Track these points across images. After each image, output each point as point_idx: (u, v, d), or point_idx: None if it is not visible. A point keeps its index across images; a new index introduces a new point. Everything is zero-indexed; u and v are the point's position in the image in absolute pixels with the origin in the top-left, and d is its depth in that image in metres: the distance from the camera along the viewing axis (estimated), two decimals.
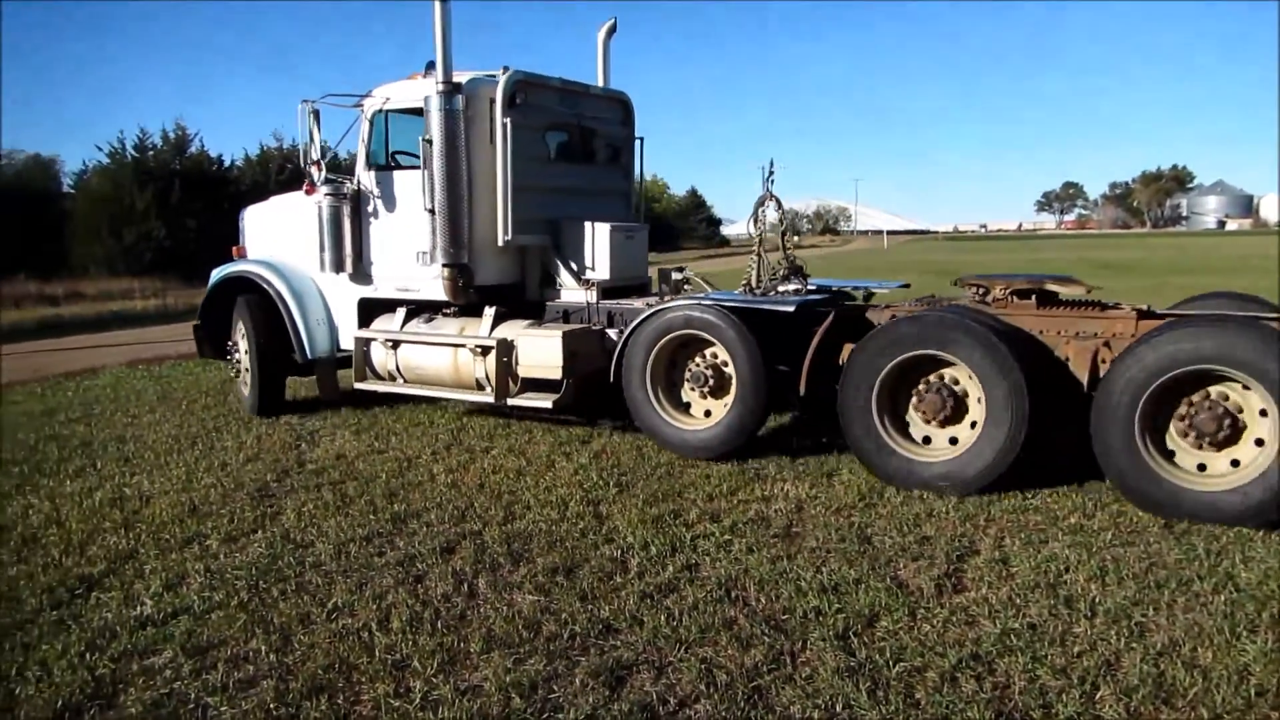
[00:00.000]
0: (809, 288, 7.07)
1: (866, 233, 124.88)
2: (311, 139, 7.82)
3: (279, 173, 43.29)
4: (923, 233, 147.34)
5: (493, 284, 7.46)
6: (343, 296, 8.07)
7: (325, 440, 7.26)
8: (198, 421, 8.07)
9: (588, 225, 7.49)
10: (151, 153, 36.43)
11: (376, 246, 7.71)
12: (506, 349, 7.05)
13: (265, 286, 8.16)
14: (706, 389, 6.53)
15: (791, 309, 6.33)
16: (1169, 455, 5.11)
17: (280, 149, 45.73)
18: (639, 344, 6.68)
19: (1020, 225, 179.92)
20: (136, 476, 6.26)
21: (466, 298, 7.30)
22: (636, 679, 3.42)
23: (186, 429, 7.78)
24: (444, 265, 7.11)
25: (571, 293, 7.50)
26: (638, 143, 8.48)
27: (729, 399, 6.41)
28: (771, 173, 7.38)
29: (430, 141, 6.93)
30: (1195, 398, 5.06)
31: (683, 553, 4.63)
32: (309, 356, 8.06)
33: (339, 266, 7.76)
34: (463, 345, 7.28)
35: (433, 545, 4.79)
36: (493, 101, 7.08)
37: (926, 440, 5.79)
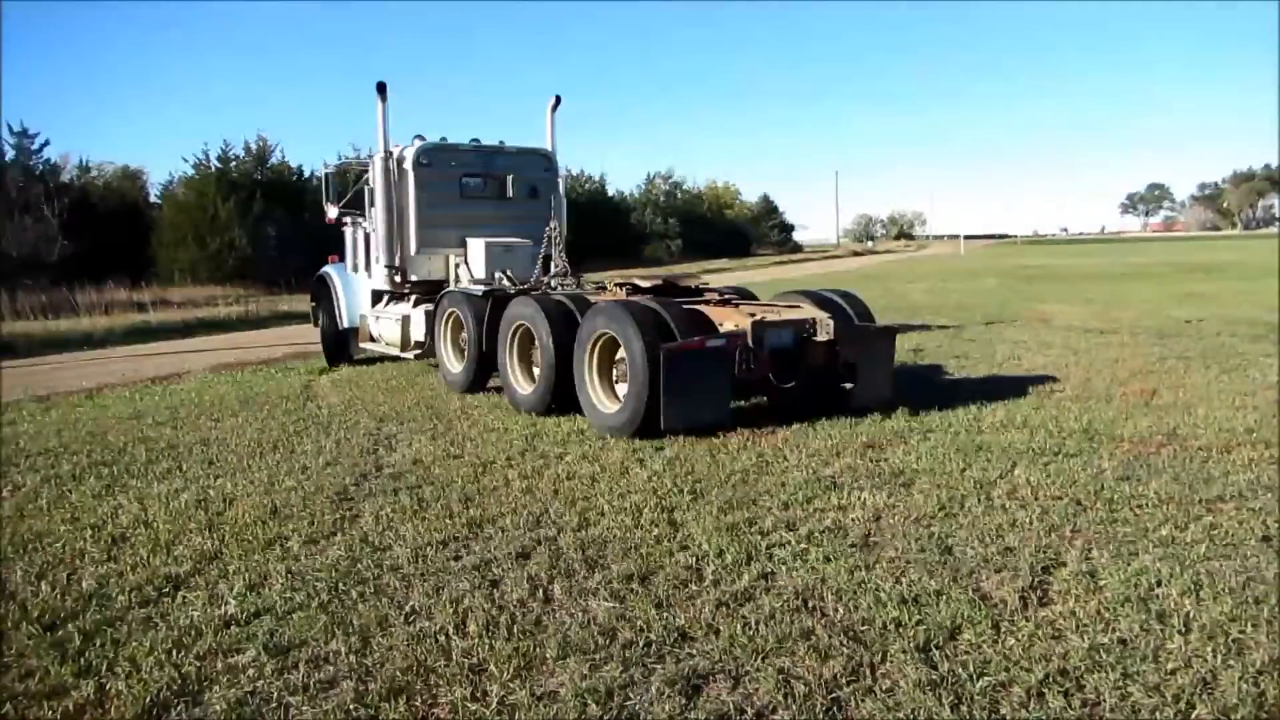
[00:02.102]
0: (564, 283, 9.81)
1: (943, 237, 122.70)
2: (326, 193, 12.13)
3: (355, 181, 44.46)
4: (1002, 237, 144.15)
5: (423, 279, 10.79)
6: (363, 288, 11.70)
7: (402, 445, 7.39)
8: (279, 426, 8.29)
9: (471, 241, 10.66)
10: (234, 164, 37.65)
11: (371, 256, 11.25)
12: (405, 321, 10.75)
13: (329, 281, 12.20)
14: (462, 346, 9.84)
15: (479, 292, 9.59)
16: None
17: (357, 158, 46.95)
18: (437, 316, 10.04)
19: (1103, 228, 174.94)
20: (220, 479, 6.45)
21: (401, 289, 10.91)
22: (713, 688, 3.39)
23: (268, 433, 7.99)
24: (385, 266, 10.76)
25: (466, 286, 10.30)
26: (560, 183, 11.60)
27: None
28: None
29: (372, 190, 10.73)
30: (620, 354, 7.50)
31: (758, 561, 4.59)
32: (344, 325, 11.87)
33: (356, 269, 11.84)
34: (391, 318, 10.98)
35: (508, 550, 4.83)
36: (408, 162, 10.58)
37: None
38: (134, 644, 3.84)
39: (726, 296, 8.75)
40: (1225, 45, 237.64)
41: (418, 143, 10.73)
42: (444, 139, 11.00)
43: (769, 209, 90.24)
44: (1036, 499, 5.46)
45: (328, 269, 12.35)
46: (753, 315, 7.72)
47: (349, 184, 11.77)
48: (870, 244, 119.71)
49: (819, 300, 8.40)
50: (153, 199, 40.09)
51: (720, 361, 7.25)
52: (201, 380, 11.39)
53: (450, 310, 9.92)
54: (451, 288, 10.34)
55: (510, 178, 10.96)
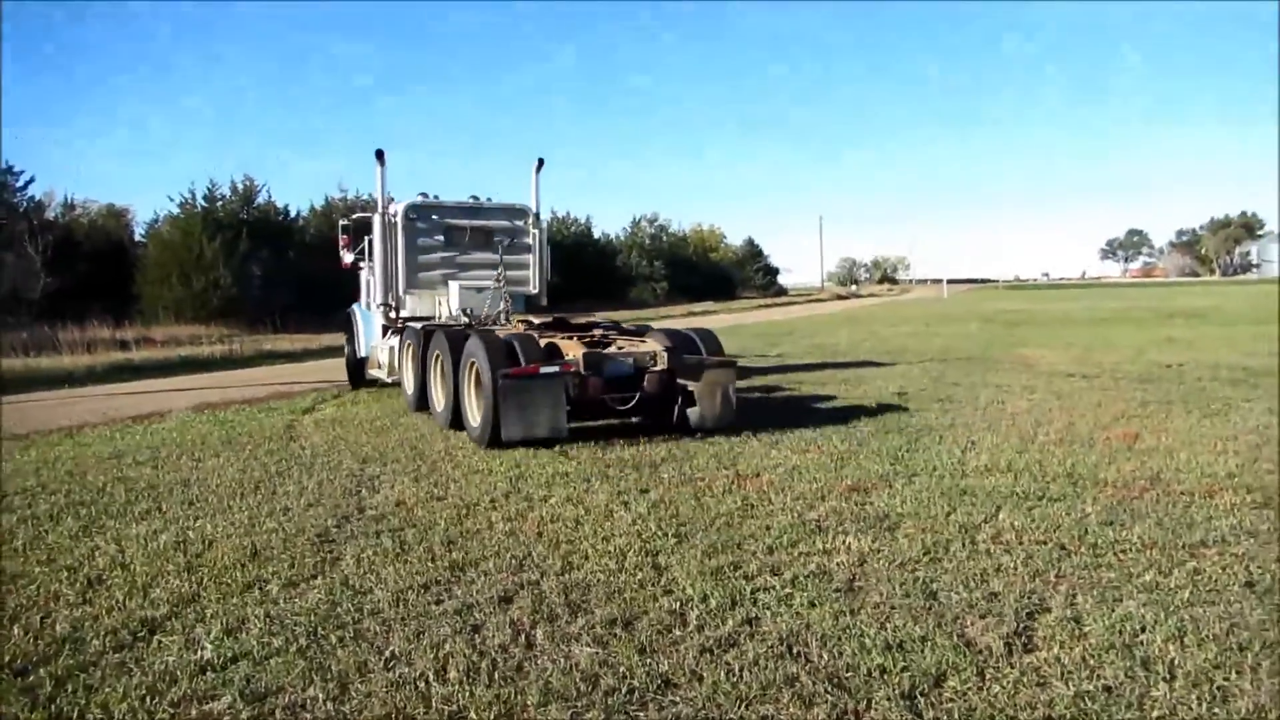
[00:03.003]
0: (501, 321, 11.32)
1: (926, 281, 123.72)
2: (342, 242, 14.07)
3: (364, 231, 44.49)
4: (984, 281, 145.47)
5: (413, 315, 12.23)
6: (375, 323, 13.10)
7: (385, 486, 7.33)
8: (260, 466, 8.22)
9: (451, 284, 12.20)
10: (220, 203, 37.70)
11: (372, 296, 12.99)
12: (391, 352, 12.30)
13: (352, 317, 13.96)
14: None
15: (418, 326, 11.24)
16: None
17: (344, 199, 47.06)
18: (400, 347, 11.83)
19: (1084, 273, 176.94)
20: (200, 520, 6.38)
21: (395, 324, 12.29)
22: None
23: (250, 473, 7.92)
24: (380, 305, 12.43)
25: (433, 322, 11.73)
26: (534, 233, 12.86)
27: None
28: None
29: (371, 239, 12.54)
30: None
31: (743, 606, 4.56)
32: (361, 354, 13.62)
33: (369, 305, 13.31)
34: (385, 349, 12.70)
35: (490, 594, 4.78)
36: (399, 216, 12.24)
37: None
38: (107, 690, 3.76)
39: (606, 331, 10.28)
40: (1203, 96, 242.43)
41: (418, 198, 12.53)
42: (436, 196, 12.57)
43: (754, 252, 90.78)
44: (1021, 543, 5.45)
45: (354, 306, 14.22)
46: (590, 348, 9.28)
47: (360, 234, 13.67)
48: (854, 287, 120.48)
49: (675, 336, 9.87)
50: (138, 237, 40.11)
51: (553, 386, 8.64)
52: (183, 419, 11.30)
53: (408, 342, 11.42)
54: (419, 324, 11.69)
55: (492, 231, 12.62)
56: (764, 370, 15.74)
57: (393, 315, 12.36)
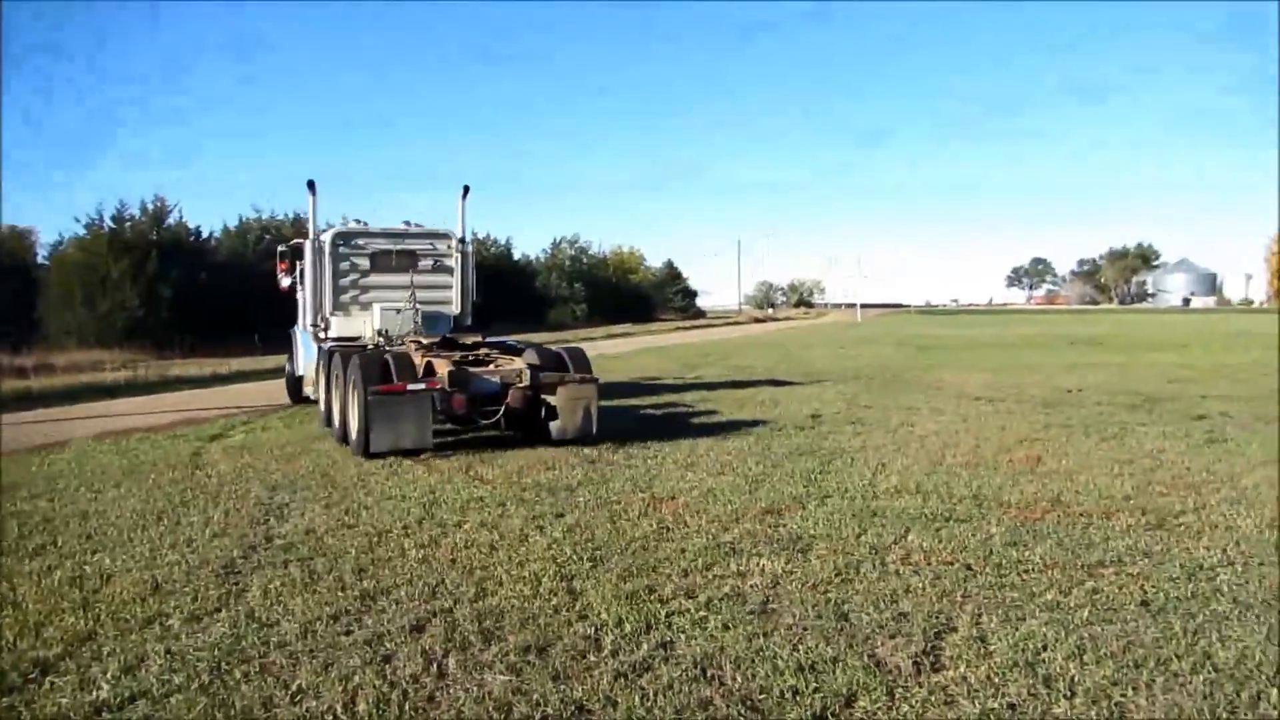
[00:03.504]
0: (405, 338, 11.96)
1: (841, 305, 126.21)
2: (280, 268, 14.31)
3: (257, 243, 43.45)
4: (896, 306, 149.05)
5: (340, 336, 12.58)
6: (312, 343, 13.44)
7: (294, 515, 7.14)
8: (164, 496, 7.92)
9: (374, 306, 12.50)
10: (129, 224, 36.42)
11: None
12: (318, 369, 12.63)
13: (292, 337, 14.50)
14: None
15: (327, 346, 12.20)
16: None
17: (259, 220, 45.98)
18: (318, 364, 12.56)
19: (990, 300, 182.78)
20: (98, 554, 6.10)
21: (324, 344, 12.57)
22: None
23: (152, 504, 7.62)
24: (310, 325, 13.13)
25: (368, 341, 12.27)
26: (459, 258, 13.27)
27: None
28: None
29: (302, 264, 13.22)
30: None
31: (658, 630, 4.55)
32: (298, 373, 14.14)
33: (304, 326, 13.70)
34: (313, 368, 13.12)
35: (402, 623, 4.68)
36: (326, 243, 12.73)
37: None
38: None
39: (490, 350, 11.23)
40: (1103, 129, 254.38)
41: (352, 224, 13.37)
42: (365, 223, 13.23)
43: (673, 275, 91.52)
44: (929, 564, 5.57)
45: (294, 328, 14.54)
46: (458, 367, 10.15)
47: (295, 259, 14.09)
48: (771, 310, 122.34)
49: (546, 355, 10.86)
50: (40, 259, 38.52)
51: (420, 401, 9.50)
52: (83, 449, 10.82)
53: (320, 361, 12.32)
54: (329, 344, 12.35)
55: (417, 254, 13.07)
56: (681, 389, 15.86)
57: (321, 335, 12.92)
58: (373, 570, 5.62)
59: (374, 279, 12.83)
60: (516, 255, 63.13)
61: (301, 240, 13.40)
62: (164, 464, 9.54)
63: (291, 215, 47.91)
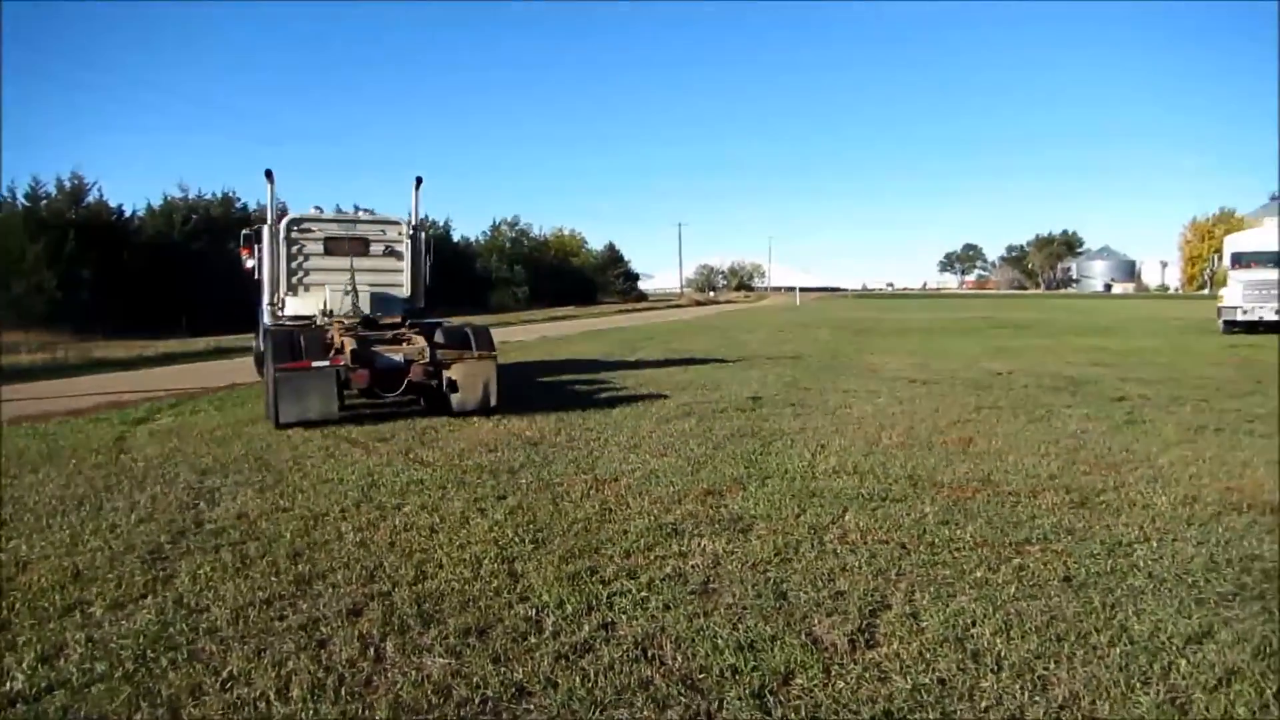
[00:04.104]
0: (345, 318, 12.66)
1: (780, 289, 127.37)
2: (244, 252, 14.20)
3: (184, 223, 42.25)
4: (833, 290, 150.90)
5: (295, 315, 12.98)
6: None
7: (226, 499, 6.97)
8: (86, 481, 7.67)
9: (325, 288, 12.98)
10: (45, 202, 35.10)
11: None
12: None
13: (258, 315, 14.19)
14: None
15: (267, 324, 12.90)
16: None
17: (186, 199, 44.68)
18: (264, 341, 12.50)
19: (924, 284, 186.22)
20: (13, 541, 5.88)
21: (280, 323, 12.80)
22: None
23: (73, 489, 7.37)
24: (267, 305, 13.32)
25: (317, 320, 12.76)
26: (408, 243, 13.76)
27: None
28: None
29: (261, 247, 13.42)
30: None
31: (599, 611, 4.55)
32: (262, 349, 13.18)
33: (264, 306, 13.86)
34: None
35: (338, 608, 4.60)
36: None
37: None
38: None
39: (403, 331, 12.34)
40: (1033, 117, 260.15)
41: (311, 211, 13.79)
42: (319, 209, 13.73)
43: (614, 258, 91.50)
44: (865, 543, 5.66)
45: (261, 307, 14.61)
46: (358, 345, 11.40)
47: (255, 243, 14.46)
48: (712, 294, 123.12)
49: (452, 333, 11.94)
50: None
51: (324, 377, 10.50)
52: None
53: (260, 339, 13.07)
54: (272, 323, 12.83)
55: (368, 240, 13.73)
56: (623, 371, 15.85)
57: (278, 315, 13.49)
58: (308, 554, 5.52)
59: (326, 262, 13.46)
60: (455, 237, 62.40)
61: (261, 225, 14.10)
62: (85, 448, 9.23)
63: (220, 193, 46.79)
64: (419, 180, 14.68)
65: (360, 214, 14.24)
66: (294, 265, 13.52)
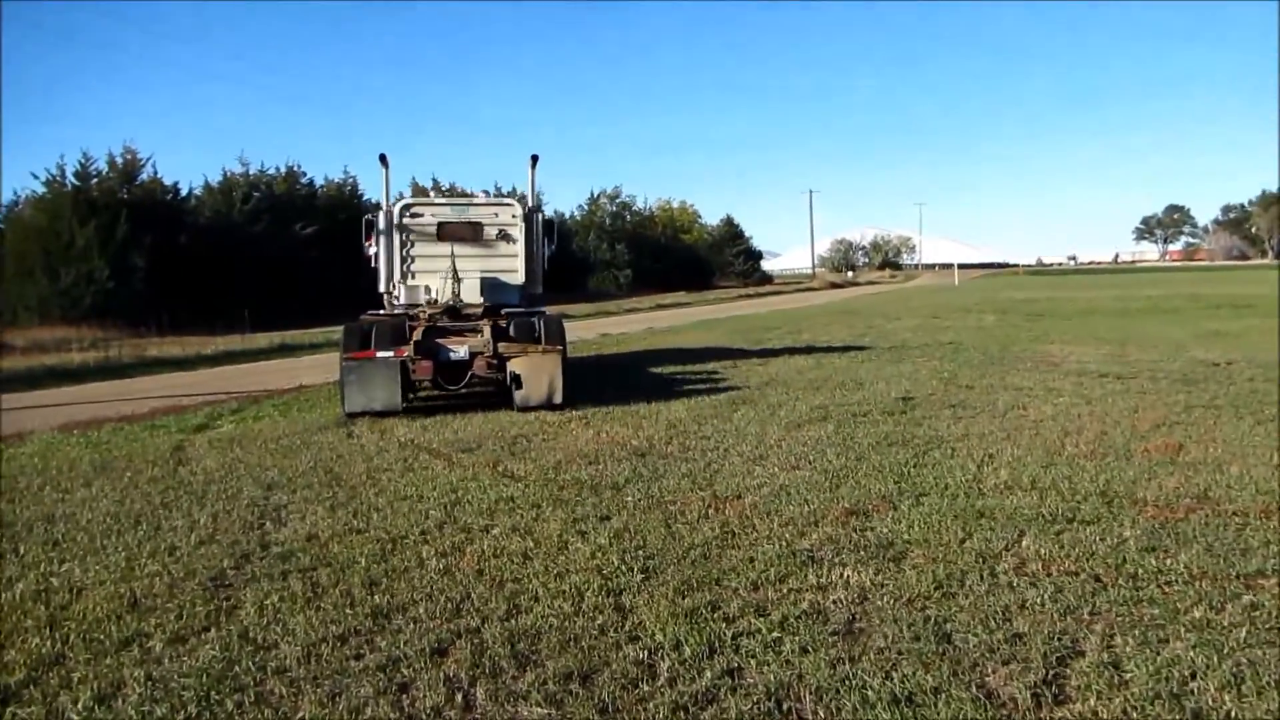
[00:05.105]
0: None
1: (935, 267, 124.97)
2: (365, 234, 15.51)
3: (244, 202, 44.12)
4: (1001, 266, 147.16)
5: (407, 304, 14.49)
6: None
7: (294, 518, 7.23)
8: (142, 497, 8.07)
9: (435, 275, 14.55)
10: (95, 180, 37.07)
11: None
12: None
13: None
14: None
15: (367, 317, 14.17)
16: None
17: (246, 175, 46.62)
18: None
19: (1116, 256, 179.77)
20: (66, 564, 6.23)
21: (394, 311, 14.53)
22: None
23: (129, 505, 7.77)
24: (382, 293, 15.05)
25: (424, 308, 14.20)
26: (523, 226, 15.12)
27: None
28: None
29: (379, 234, 14.98)
30: None
31: (723, 654, 4.54)
32: None
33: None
34: None
35: (421, 646, 4.71)
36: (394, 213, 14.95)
37: None
38: None
39: (480, 322, 13.52)
40: (1249, 51, 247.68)
41: (399, 202, 15.44)
42: (432, 192, 16.00)
43: (733, 234, 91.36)
44: (1049, 575, 5.49)
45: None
46: (423, 335, 12.77)
47: (372, 231, 16.02)
48: (850, 274, 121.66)
49: (519, 324, 13.45)
50: None
51: (389, 367, 12.17)
52: (47, 442, 11.08)
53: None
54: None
55: (481, 224, 15.14)
56: (745, 368, 15.80)
57: (393, 303, 15.02)
58: (386, 583, 5.67)
59: (439, 248, 14.89)
60: (549, 212, 63.37)
61: (379, 211, 15.59)
62: (141, 459, 9.73)
63: (284, 168, 48.65)
64: (535, 158, 16.06)
65: (475, 196, 15.87)
66: (405, 252, 15.08)
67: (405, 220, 15.08)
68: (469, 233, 15.21)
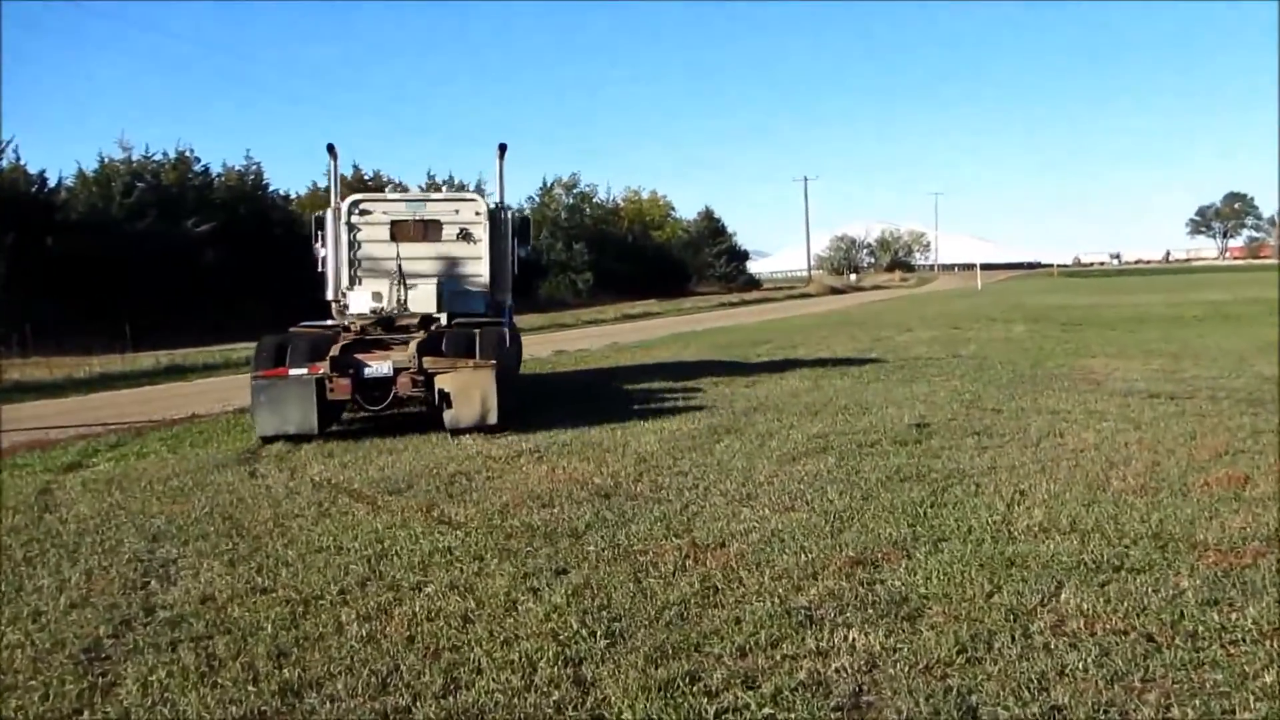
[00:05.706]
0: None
1: (953, 267, 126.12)
2: (315, 236, 16.17)
3: (125, 194, 43.83)
4: (1031, 265, 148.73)
5: (359, 312, 14.85)
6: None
7: (186, 575, 7.17)
8: (1, 551, 7.97)
9: (385, 280, 15.13)
10: None
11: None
12: None
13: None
14: None
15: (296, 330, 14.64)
16: None
17: (128, 161, 46.35)
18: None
19: (1168, 254, 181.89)
20: None
21: (343, 320, 15.00)
22: None
23: None
24: (330, 300, 15.55)
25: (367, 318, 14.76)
26: (486, 224, 15.78)
27: None
28: None
29: (324, 234, 15.71)
30: None
31: None
32: None
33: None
34: None
35: None
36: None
37: None
38: None
39: (416, 334, 13.79)
40: None
41: (347, 200, 15.91)
42: (388, 188, 16.23)
43: (713, 230, 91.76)
44: (1092, 634, 5.52)
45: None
46: (341, 351, 12.96)
47: (320, 230, 16.42)
48: (853, 277, 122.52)
49: (452, 337, 13.61)
50: None
51: (303, 386, 12.57)
52: None
53: None
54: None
55: (440, 222, 15.74)
56: (728, 390, 15.79)
57: (343, 311, 15.41)
58: (297, 654, 5.63)
59: (392, 249, 15.35)
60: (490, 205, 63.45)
61: (327, 210, 16.18)
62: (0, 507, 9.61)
63: (173, 153, 48.39)
64: (503, 148, 16.78)
65: (431, 192, 15.66)
66: (354, 255, 15.64)
67: (354, 219, 15.54)
68: (425, 232, 15.66)
